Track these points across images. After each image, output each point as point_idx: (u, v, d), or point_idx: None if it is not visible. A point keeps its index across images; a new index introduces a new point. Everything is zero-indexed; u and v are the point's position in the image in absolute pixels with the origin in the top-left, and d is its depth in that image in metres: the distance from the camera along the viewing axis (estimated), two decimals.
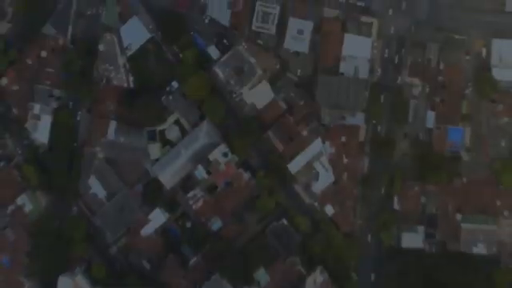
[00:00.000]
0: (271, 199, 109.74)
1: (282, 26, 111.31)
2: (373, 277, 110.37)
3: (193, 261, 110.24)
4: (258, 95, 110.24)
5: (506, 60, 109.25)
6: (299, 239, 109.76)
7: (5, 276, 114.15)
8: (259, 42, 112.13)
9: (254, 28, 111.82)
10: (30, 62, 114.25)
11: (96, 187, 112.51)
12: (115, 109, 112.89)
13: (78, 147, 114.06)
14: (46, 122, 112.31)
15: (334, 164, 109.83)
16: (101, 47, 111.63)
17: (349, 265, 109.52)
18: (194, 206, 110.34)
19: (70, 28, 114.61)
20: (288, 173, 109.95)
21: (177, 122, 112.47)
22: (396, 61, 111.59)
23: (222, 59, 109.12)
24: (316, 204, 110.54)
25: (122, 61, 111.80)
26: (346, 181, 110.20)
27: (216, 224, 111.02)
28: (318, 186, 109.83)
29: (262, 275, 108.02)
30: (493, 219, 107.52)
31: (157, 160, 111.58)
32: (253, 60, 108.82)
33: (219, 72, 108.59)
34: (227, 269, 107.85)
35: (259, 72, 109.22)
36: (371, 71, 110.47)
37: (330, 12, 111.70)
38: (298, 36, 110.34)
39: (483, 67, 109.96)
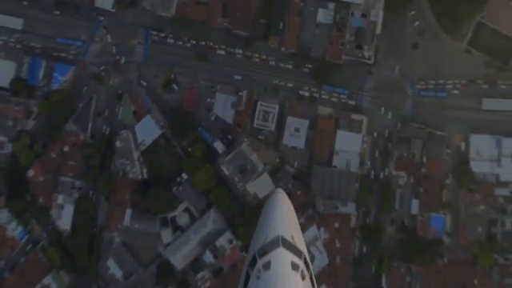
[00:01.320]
0: None
1: (280, 124, 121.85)
2: None
3: None
4: (260, 186, 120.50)
5: (482, 153, 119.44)
6: None
7: None
8: (260, 137, 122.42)
9: (255, 125, 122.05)
10: (53, 155, 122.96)
11: (114, 268, 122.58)
12: (130, 198, 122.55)
13: (98, 232, 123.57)
14: (68, 210, 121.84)
15: (328, 248, 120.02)
16: (117, 143, 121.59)
17: None
18: (202, 286, 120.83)
19: (90, 125, 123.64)
20: None
21: (186, 210, 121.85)
22: (384, 155, 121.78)
23: (227, 158, 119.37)
24: None
25: (136, 155, 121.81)
26: (339, 263, 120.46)
27: None
28: (314, 268, 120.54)
29: None
30: None
31: (169, 244, 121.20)
32: (254, 157, 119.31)
33: (225, 169, 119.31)
34: None
35: (260, 167, 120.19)
36: (361, 163, 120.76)
37: (324, 110, 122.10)
38: (295, 133, 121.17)
39: (462, 160, 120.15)
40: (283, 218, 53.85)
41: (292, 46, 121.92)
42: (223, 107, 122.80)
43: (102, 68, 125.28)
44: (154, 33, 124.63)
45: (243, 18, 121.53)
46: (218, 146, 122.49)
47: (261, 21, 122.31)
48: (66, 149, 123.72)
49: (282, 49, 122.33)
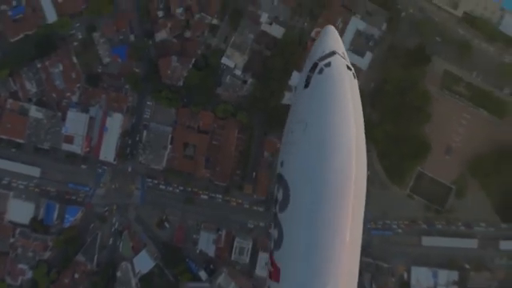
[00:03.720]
0: None
1: (254, 257, 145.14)
2: None
3: None
4: None
5: (421, 283, 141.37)
6: None
7: None
8: (237, 267, 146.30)
9: (233, 258, 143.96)
10: (66, 281, 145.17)
11: None
12: None
13: None
14: None
15: None
16: (118, 273, 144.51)
17: None
18: None
19: (96, 256, 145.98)
20: None
21: None
22: None
23: None
24: None
25: (134, 282, 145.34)
26: None
27: None
28: None
29: None
30: None
31: None
32: (232, 285, 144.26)
33: None
34: None
35: None
36: None
37: None
38: (266, 266, 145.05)
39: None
40: (336, 40, 61.95)
41: (263, 193, 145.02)
42: (206, 243, 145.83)
43: (105, 209, 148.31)
44: (149, 180, 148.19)
45: (222, 171, 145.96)
46: (203, 274, 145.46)
47: (237, 172, 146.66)
48: (76, 276, 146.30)
49: (255, 196, 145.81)
